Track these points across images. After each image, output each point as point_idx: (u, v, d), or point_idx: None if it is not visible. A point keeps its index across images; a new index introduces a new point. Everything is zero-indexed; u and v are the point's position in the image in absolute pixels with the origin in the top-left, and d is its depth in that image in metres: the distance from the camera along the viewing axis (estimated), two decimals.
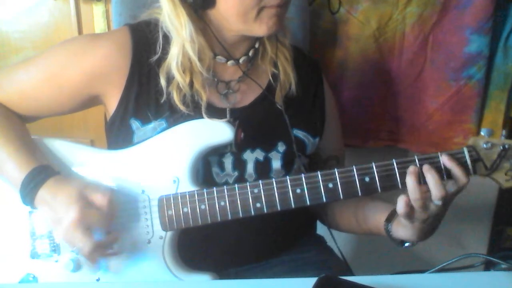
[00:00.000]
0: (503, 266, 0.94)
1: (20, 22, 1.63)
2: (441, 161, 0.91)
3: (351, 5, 1.52)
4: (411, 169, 0.90)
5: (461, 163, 0.91)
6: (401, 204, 0.90)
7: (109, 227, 0.92)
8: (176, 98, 1.00)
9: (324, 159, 1.20)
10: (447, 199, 0.90)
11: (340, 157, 1.24)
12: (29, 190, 0.92)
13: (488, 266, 0.99)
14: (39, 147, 1.01)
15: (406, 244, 1.00)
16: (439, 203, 0.89)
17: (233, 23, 0.98)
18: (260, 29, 0.97)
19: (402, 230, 0.97)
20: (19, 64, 1.06)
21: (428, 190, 0.89)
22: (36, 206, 0.94)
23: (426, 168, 0.89)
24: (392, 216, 1.00)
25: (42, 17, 1.62)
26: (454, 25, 1.51)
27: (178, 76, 1.00)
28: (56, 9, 1.61)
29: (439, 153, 0.92)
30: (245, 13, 0.95)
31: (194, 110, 1.01)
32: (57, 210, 0.90)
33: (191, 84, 1.01)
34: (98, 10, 1.60)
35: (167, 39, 1.02)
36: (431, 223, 0.94)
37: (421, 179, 0.89)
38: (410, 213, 0.91)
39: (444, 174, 0.91)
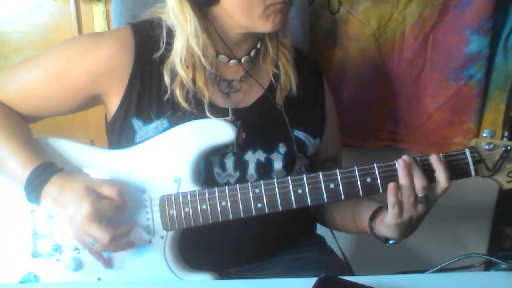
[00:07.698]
0: (503, 266, 0.94)
1: (20, 22, 1.62)
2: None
3: (351, 5, 1.52)
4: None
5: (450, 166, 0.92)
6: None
7: (123, 216, 0.93)
8: (179, 95, 1.00)
9: (322, 160, 1.20)
10: (431, 201, 0.92)
11: (337, 157, 1.24)
12: (34, 187, 0.92)
13: (488, 266, 0.99)
14: (41, 146, 1.01)
15: (390, 242, 1.01)
16: (422, 198, 0.90)
17: (238, 20, 0.98)
18: (266, 25, 0.97)
19: (385, 228, 0.97)
20: (21, 64, 1.05)
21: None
22: (42, 203, 0.93)
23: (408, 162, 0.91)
24: (376, 214, 1.01)
25: (42, 17, 1.62)
26: (454, 25, 1.51)
27: (181, 72, 1.00)
28: (56, 9, 1.61)
29: (440, 155, 0.92)
30: (251, 9, 0.95)
31: (197, 107, 1.01)
32: (67, 206, 0.90)
33: (194, 81, 1.01)
34: (98, 10, 1.60)
35: (170, 37, 1.02)
36: (413, 224, 0.94)
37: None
38: (399, 210, 0.91)
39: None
